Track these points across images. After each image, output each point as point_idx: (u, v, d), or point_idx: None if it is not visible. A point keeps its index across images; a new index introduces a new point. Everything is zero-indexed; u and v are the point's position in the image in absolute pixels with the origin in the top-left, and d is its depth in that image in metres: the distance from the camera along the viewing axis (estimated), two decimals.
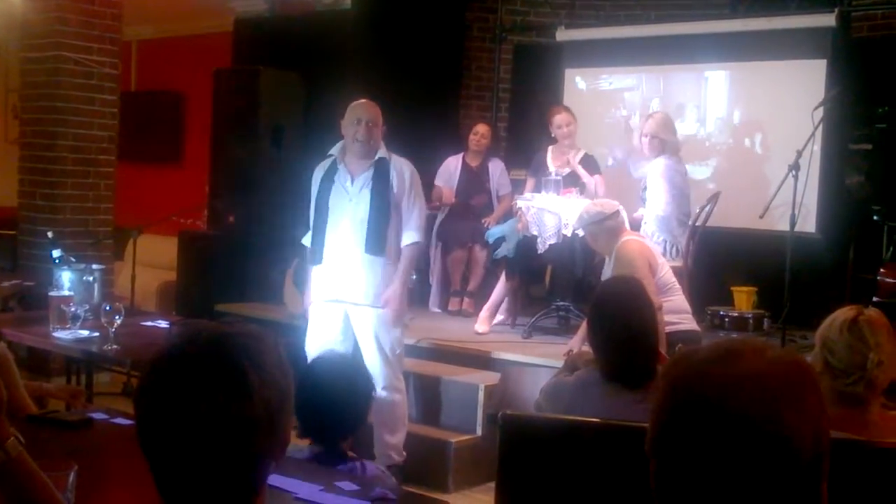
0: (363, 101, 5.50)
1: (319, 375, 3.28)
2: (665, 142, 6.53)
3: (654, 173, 6.45)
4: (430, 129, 8.65)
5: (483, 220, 7.86)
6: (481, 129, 8.11)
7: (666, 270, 5.46)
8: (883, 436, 2.82)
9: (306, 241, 5.59)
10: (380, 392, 5.41)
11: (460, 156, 8.10)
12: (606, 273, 5.40)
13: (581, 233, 6.48)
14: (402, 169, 5.40)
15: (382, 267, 5.38)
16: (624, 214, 5.59)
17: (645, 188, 6.57)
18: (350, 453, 3.29)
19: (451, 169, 8.07)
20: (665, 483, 1.32)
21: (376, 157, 5.36)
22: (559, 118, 7.33)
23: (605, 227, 5.44)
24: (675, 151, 6.63)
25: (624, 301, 3.44)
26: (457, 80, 9.62)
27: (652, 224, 6.42)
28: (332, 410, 3.19)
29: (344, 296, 5.42)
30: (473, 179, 8.01)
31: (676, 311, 5.37)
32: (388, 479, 3.35)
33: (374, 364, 5.35)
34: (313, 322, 5.51)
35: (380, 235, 5.33)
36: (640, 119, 8.42)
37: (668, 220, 6.38)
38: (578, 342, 5.42)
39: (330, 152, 5.49)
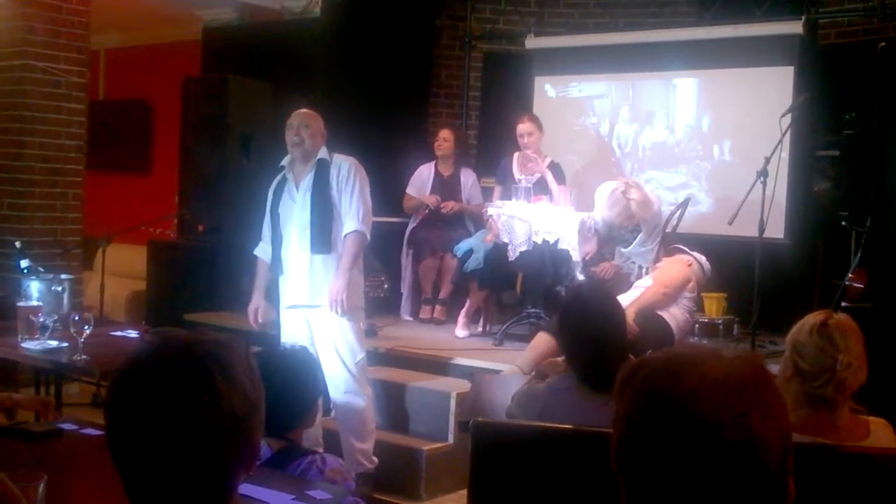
0: (304, 110, 5.62)
1: (263, 368, 3.37)
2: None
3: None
4: (399, 138, 8.65)
5: (443, 204, 7.85)
6: (443, 133, 8.13)
7: (693, 302, 6.12)
8: (851, 439, 2.84)
9: (258, 251, 5.67)
10: (342, 397, 5.42)
11: (433, 164, 8.10)
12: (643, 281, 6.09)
13: (552, 239, 6.53)
14: (340, 165, 5.46)
15: (331, 268, 5.41)
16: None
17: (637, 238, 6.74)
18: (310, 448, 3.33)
19: (423, 177, 8.07)
20: (635, 494, 1.32)
21: (317, 159, 5.44)
22: (521, 128, 7.35)
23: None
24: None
25: (591, 305, 3.47)
26: (426, 88, 9.61)
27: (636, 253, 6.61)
28: (276, 402, 3.22)
29: (301, 300, 5.46)
30: (446, 188, 8.01)
31: (675, 318, 5.85)
32: (346, 472, 3.36)
33: (334, 369, 5.37)
34: (283, 332, 5.54)
35: (324, 234, 5.38)
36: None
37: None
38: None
39: (281, 164, 5.58)
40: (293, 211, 5.45)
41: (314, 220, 5.38)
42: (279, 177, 5.58)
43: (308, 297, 5.43)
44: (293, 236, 5.45)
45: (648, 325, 5.60)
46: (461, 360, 6.44)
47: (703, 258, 6.25)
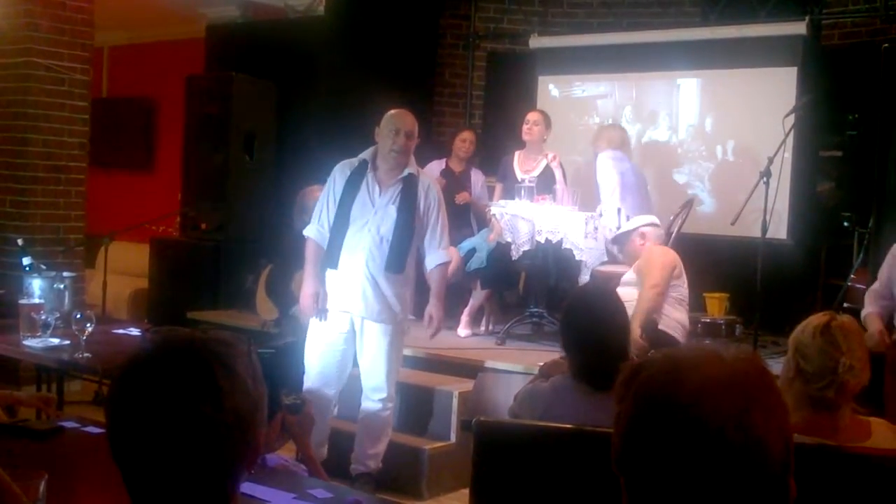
0: (401, 110, 5.37)
1: None
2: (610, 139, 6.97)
3: (601, 169, 7.02)
4: None
5: (458, 196, 7.81)
6: (469, 135, 8.06)
7: (685, 285, 5.85)
8: (853, 440, 2.84)
9: (310, 232, 5.38)
10: (372, 404, 5.38)
11: (443, 161, 8.07)
12: (629, 275, 5.88)
13: (555, 239, 6.53)
14: (428, 187, 5.32)
15: (397, 285, 5.28)
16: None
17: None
18: None
19: (433, 173, 8.03)
20: (636, 496, 1.32)
21: (406, 173, 5.25)
22: (530, 115, 7.36)
23: (657, 232, 6.02)
24: (619, 145, 7.11)
25: (595, 304, 3.48)
26: (430, 87, 9.61)
27: (613, 214, 6.65)
28: None
29: (353, 308, 5.28)
30: (455, 184, 7.97)
31: (679, 322, 5.77)
32: (292, 465, 3.34)
33: (374, 377, 5.32)
34: (316, 327, 5.37)
35: (401, 254, 5.23)
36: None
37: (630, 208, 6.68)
38: None
39: (361, 156, 5.33)
40: (368, 215, 5.23)
41: (395, 238, 5.20)
42: (354, 163, 5.32)
43: (363, 310, 5.26)
44: (364, 242, 5.23)
45: (656, 341, 5.53)
46: (463, 359, 6.43)
47: (651, 219, 6.28)
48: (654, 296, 5.68)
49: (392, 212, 5.22)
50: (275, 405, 3.46)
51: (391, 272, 5.23)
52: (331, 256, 5.31)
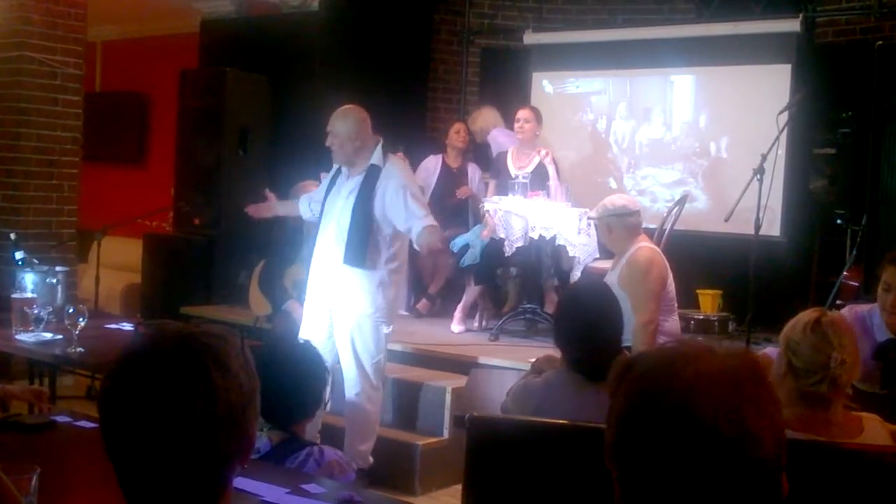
0: (342, 108, 5.35)
1: (273, 361, 3.29)
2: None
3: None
4: (397, 132, 8.63)
5: (459, 190, 7.82)
6: (462, 126, 8.11)
7: (673, 289, 5.33)
8: (845, 436, 2.85)
9: (303, 211, 5.59)
10: (353, 396, 5.38)
11: (440, 156, 8.07)
12: (611, 277, 5.21)
13: (548, 235, 6.53)
14: (389, 179, 5.19)
15: (363, 279, 5.26)
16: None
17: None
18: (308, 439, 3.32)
19: (429, 168, 8.02)
20: (629, 490, 1.32)
21: (369, 164, 5.22)
22: (520, 113, 7.36)
23: (626, 222, 5.27)
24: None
25: (589, 298, 3.49)
26: (424, 82, 9.61)
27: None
28: (285, 395, 3.20)
29: (325, 300, 5.36)
30: (452, 180, 7.97)
31: (668, 334, 5.33)
32: (345, 464, 3.35)
33: (349, 369, 5.33)
34: (305, 322, 5.46)
35: (359, 248, 5.19)
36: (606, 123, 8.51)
37: None
38: None
39: None
40: (335, 206, 5.29)
41: (352, 231, 5.19)
42: None
43: (330, 302, 5.32)
44: (330, 234, 5.30)
45: None
46: (457, 355, 6.43)
47: (605, 210, 5.40)
48: (650, 333, 5.12)
49: (350, 204, 5.23)
50: (324, 383, 3.55)
51: (349, 265, 5.22)
52: (309, 246, 5.47)
